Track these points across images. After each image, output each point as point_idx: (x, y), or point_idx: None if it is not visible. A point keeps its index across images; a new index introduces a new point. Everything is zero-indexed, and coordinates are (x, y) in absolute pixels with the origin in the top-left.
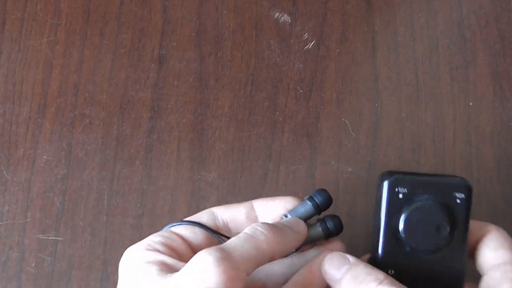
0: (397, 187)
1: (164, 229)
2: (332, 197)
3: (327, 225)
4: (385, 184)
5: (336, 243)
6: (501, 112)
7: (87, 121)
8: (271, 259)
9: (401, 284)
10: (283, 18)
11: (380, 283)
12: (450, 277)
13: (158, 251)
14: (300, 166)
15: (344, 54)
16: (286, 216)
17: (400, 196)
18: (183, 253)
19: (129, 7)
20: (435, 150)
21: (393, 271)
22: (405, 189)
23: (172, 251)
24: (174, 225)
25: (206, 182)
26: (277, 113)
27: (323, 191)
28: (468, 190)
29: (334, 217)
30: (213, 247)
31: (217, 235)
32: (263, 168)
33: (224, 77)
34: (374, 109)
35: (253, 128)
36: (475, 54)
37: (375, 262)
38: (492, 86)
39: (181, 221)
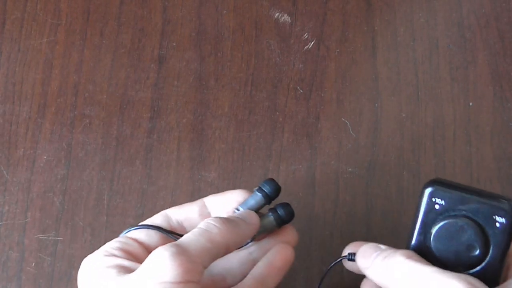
0: (435, 197)
1: (121, 235)
2: (332, 197)
3: (278, 213)
4: (425, 193)
5: (289, 230)
6: (501, 112)
7: (87, 121)
8: (226, 251)
9: (426, 261)
10: (283, 18)
11: (408, 258)
12: None
13: (116, 256)
14: (300, 166)
15: (344, 54)
16: (238, 209)
17: (437, 207)
18: (140, 256)
19: (129, 7)
20: (435, 150)
21: None
22: (443, 201)
23: (130, 255)
24: (130, 231)
25: (206, 182)
26: (277, 113)
27: (271, 181)
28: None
29: (285, 205)
30: (169, 244)
31: (171, 234)
32: (263, 168)
33: (224, 77)
34: (374, 109)
35: (253, 128)
36: (475, 54)
37: None
38: (492, 86)
39: (136, 225)
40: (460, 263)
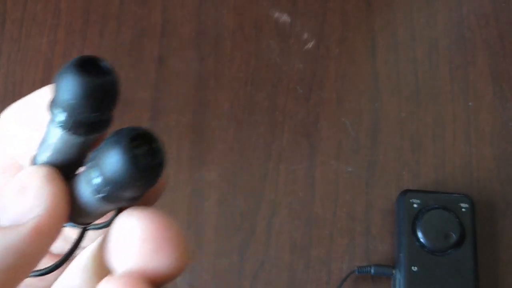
0: (412, 199)
1: None
2: (332, 197)
3: (105, 165)
4: (403, 197)
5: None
6: (501, 112)
7: None
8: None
9: None
10: (283, 18)
11: None
12: (464, 274)
13: None
14: (300, 166)
15: (344, 54)
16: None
17: (415, 206)
18: None
19: (129, 7)
20: (435, 150)
21: (416, 268)
22: (419, 201)
23: None
24: None
25: (206, 182)
26: (277, 113)
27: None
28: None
29: (132, 133)
30: None
31: None
32: (263, 168)
33: (224, 77)
34: (374, 109)
35: (253, 128)
36: (475, 54)
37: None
38: (492, 86)
39: None
40: (445, 241)
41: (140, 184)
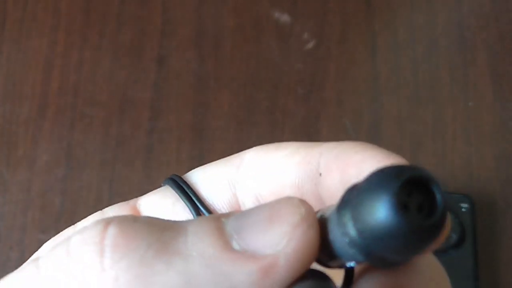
0: None
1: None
2: None
3: None
4: None
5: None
6: (501, 112)
7: (87, 121)
8: None
9: None
10: (283, 18)
11: None
12: (464, 274)
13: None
14: None
15: (344, 54)
16: None
17: None
18: None
19: (129, 7)
20: (435, 150)
21: None
22: None
23: None
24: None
25: None
26: (277, 113)
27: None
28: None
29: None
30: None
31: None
32: None
33: (224, 77)
34: (374, 109)
35: (253, 128)
36: (475, 54)
37: None
38: (492, 86)
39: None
40: (445, 241)
41: (409, 248)
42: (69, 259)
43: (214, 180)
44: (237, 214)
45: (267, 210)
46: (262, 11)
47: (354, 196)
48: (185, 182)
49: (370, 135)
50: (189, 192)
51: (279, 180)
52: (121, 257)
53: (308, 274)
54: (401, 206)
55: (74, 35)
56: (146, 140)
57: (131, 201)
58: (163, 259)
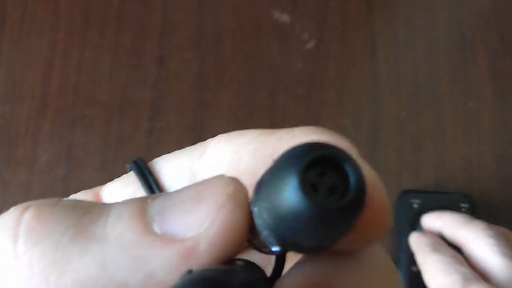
0: (412, 199)
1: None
2: None
3: None
4: (403, 198)
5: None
6: (501, 112)
7: (87, 121)
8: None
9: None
10: (283, 18)
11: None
12: None
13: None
14: None
15: (344, 54)
16: None
17: (415, 206)
18: None
19: (129, 7)
20: (435, 150)
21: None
22: (419, 200)
23: None
24: None
25: None
26: (277, 113)
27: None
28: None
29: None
30: None
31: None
32: None
33: (224, 77)
34: (374, 109)
35: (253, 128)
36: (475, 54)
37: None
38: (492, 86)
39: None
40: (445, 241)
41: (320, 232)
42: None
43: (176, 168)
44: (165, 194)
45: (194, 189)
46: (262, 11)
47: (266, 175)
48: (148, 169)
49: (370, 135)
50: (150, 180)
51: (236, 168)
52: (35, 243)
53: (234, 261)
54: (307, 186)
55: (74, 35)
56: (146, 140)
57: (97, 188)
58: (79, 243)
